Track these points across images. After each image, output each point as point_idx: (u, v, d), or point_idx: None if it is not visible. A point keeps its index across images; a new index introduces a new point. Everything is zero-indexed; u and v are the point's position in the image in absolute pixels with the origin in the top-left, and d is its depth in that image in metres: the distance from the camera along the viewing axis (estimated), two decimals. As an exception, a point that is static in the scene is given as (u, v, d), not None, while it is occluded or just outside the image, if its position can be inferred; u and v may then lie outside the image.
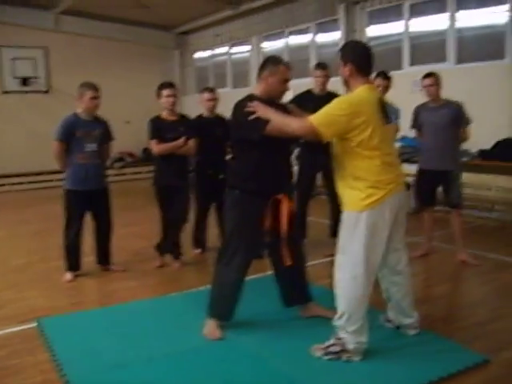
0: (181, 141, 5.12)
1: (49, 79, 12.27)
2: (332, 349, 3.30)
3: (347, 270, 3.22)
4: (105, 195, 5.18)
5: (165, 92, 5.13)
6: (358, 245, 3.18)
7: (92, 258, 5.33)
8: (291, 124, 3.27)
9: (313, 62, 9.22)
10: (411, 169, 5.94)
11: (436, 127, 5.18)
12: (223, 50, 12.68)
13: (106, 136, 5.14)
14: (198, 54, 13.78)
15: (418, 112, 5.39)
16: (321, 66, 5.69)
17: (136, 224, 7.55)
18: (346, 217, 3.26)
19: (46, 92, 12.25)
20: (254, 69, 11.39)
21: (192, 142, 5.21)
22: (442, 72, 5.39)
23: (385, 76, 5.30)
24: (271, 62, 3.64)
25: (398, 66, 8.59)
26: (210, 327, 3.70)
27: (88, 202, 5.05)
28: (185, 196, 5.30)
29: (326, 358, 3.29)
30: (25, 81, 11.96)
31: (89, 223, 5.23)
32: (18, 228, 7.72)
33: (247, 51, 11.86)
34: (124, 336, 3.77)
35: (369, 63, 3.29)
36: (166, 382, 3.14)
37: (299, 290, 3.93)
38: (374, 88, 3.33)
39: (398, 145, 6.44)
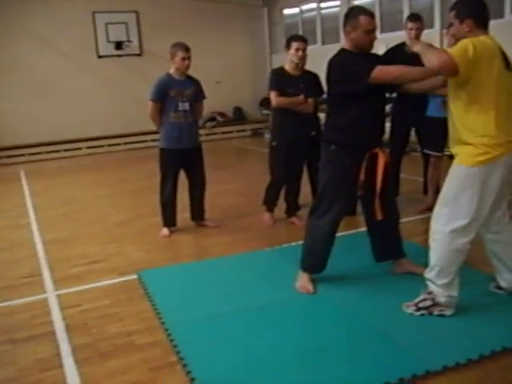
0: (301, 97, 5.03)
1: (141, 42, 12.57)
2: (423, 304, 3.27)
3: (446, 222, 3.13)
4: (198, 153, 5.30)
5: (294, 44, 5.00)
6: (464, 200, 3.07)
7: (187, 215, 5.51)
8: (430, 58, 3.03)
9: (406, 14, 8.85)
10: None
11: None
12: (312, 5, 12.43)
13: (198, 95, 5.22)
14: (287, 11, 13.60)
15: None
16: (414, 17, 5.42)
17: (229, 181, 7.71)
18: (456, 170, 3.14)
19: (139, 55, 12.57)
20: (344, 24, 11.06)
21: (311, 101, 5.10)
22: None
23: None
24: (350, 15, 3.49)
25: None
26: (303, 281, 3.76)
27: (182, 160, 5.18)
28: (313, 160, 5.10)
29: (418, 313, 3.27)
30: (118, 45, 12.31)
31: (184, 181, 5.39)
32: (117, 186, 8.09)
33: (337, 6, 11.56)
34: (219, 288, 3.91)
35: (487, 15, 3.10)
36: (260, 331, 3.23)
37: (392, 245, 3.90)
38: (493, 38, 3.15)
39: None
